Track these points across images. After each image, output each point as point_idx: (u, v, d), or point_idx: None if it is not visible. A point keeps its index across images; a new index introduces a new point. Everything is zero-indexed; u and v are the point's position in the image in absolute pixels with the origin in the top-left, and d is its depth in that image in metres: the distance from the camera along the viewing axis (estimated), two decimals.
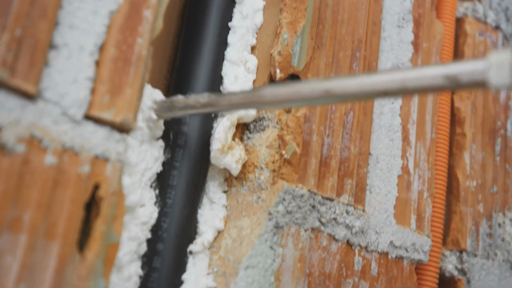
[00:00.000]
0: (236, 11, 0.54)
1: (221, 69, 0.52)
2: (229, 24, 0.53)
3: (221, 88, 0.52)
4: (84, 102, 0.39)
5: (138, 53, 0.42)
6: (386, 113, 0.58)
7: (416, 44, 0.62)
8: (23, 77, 0.36)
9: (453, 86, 0.30)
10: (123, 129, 0.42)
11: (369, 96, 0.34)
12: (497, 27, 0.72)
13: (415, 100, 0.61)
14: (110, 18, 0.41)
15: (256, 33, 0.55)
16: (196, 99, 0.42)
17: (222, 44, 0.52)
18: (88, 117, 0.40)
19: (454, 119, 0.66)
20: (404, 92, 0.32)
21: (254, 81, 0.53)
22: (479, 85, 0.29)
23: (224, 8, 0.53)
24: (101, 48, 0.41)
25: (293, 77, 0.53)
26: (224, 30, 0.53)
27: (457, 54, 0.68)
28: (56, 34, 0.39)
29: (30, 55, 0.37)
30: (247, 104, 0.40)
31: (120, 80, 0.41)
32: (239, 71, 0.53)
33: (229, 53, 0.53)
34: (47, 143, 0.37)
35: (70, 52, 0.39)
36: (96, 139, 0.40)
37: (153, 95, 0.44)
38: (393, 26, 0.61)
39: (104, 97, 0.40)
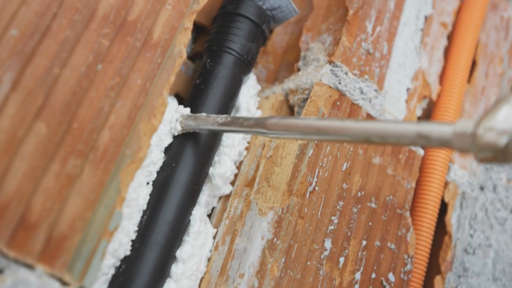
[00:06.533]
0: None
1: None
2: None
3: None
4: None
5: None
6: None
7: None
8: None
9: (424, 143, 0.34)
10: None
11: (353, 140, 0.38)
12: None
13: None
14: None
15: None
16: (215, 119, 0.48)
17: None
18: None
19: None
20: (383, 141, 0.36)
21: None
22: (445, 144, 0.33)
23: None
24: None
25: None
26: None
27: None
28: None
29: None
30: (254, 129, 0.45)
31: None
32: None
33: None
34: None
35: None
36: None
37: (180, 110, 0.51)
38: None
39: None
